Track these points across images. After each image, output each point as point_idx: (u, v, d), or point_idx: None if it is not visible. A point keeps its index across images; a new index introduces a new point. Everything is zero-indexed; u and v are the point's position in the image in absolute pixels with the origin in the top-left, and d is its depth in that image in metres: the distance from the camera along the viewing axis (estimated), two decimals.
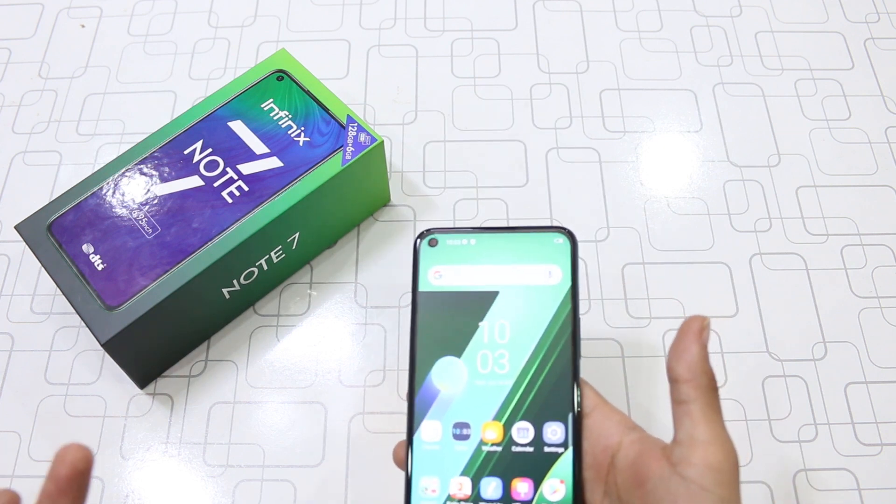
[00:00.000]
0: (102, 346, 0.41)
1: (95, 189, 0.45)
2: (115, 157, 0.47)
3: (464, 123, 0.56)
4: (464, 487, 0.34)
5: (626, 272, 0.50)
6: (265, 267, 0.47)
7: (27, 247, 0.46)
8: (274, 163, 0.46)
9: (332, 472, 0.44)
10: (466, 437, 0.34)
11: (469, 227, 0.37)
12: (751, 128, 0.56)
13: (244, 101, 0.48)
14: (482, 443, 0.34)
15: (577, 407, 0.34)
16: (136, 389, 0.47)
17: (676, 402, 0.32)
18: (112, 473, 0.44)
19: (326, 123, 0.47)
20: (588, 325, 0.48)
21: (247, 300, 0.49)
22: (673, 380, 0.33)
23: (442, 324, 0.36)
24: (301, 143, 0.47)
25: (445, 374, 0.35)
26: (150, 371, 0.47)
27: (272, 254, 0.47)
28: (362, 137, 0.47)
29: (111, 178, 0.46)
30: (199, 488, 0.44)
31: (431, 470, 0.34)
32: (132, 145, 0.47)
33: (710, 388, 0.32)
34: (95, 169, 0.53)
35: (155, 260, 0.43)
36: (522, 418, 0.34)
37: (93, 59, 0.60)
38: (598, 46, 0.60)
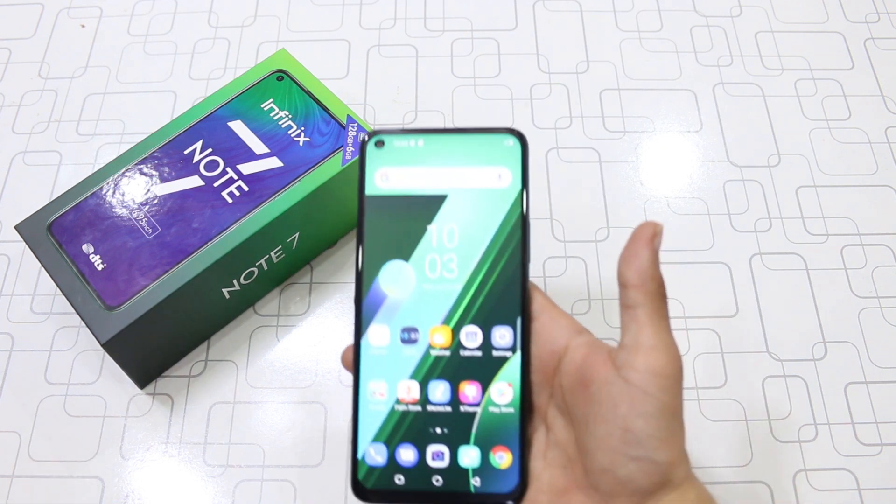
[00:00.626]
0: (102, 346, 0.41)
1: (95, 189, 0.45)
2: (115, 157, 0.47)
3: (464, 123, 0.56)
4: (412, 391, 0.34)
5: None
6: (265, 267, 0.47)
7: (27, 247, 0.46)
8: (274, 163, 0.46)
9: (332, 472, 0.44)
10: (414, 342, 0.34)
11: (417, 128, 0.36)
12: (751, 128, 0.56)
13: (244, 101, 0.48)
14: (430, 347, 0.34)
15: (526, 311, 0.34)
16: (136, 389, 0.47)
17: (624, 307, 0.32)
18: (112, 473, 0.44)
19: (326, 123, 0.47)
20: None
21: (247, 300, 0.49)
22: (622, 284, 0.32)
23: (389, 228, 0.35)
24: (301, 143, 0.47)
25: (393, 278, 0.35)
26: (150, 371, 0.47)
27: (272, 254, 0.47)
28: (362, 137, 0.47)
29: (111, 178, 0.46)
30: (199, 488, 0.44)
31: (379, 374, 0.34)
32: (132, 145, 0.47)
33: (659, 294, 0.32)
34: (95, 169, 0.53)
35: (155, 260, 0.43)
36: (471, 322, 0.34)
37: (93, 59, 0.60)
38: (598, 46, 0.60)
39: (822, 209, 0.53)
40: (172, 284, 0.42)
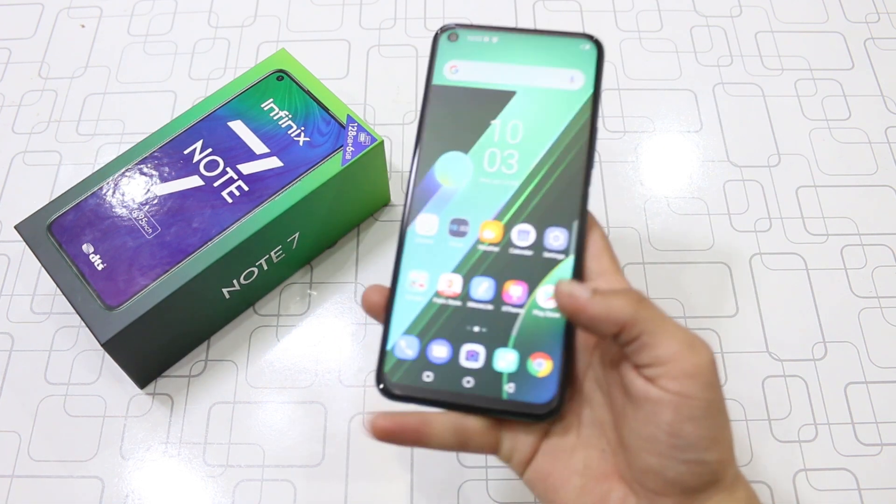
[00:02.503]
0: (102, 345, 0.41)
1: (95, 189, 0.45)
2: (115, 157, 0.47)
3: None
4: (454, 285, 0.32)
5: (626, 272, 0.50)
6: (265, 267, 0.47)
7: (27, 247, 0.46)
8: (274, 163, 0.46)
9: (332, 472, 0.44)
10: (463, 234, 0.33)
11: (492, 26, 0.35)
12: (751, 128, 0.56)
13: (244, 101, 0.48)
14: (479, 241, 0.33)
15: (584, 216, 0.32)
16: (136, 389, 0.47)
17: (630, 344, 0.29)
18: (112, 473, 0.44)
19: (326, 123, 0.47)
20: None
21: (247, 300, 0.49)
22: (615, 341, 0.30)
23: (452, 119, 0.34)
24: (301, 143, 0.47)
25: (449, 168, 0.33)
26: (150, 371, 0.47)
27: (272, 254, 0.47)
28: (362, 137, 0.47)
29: (111, 178, 0.46)
30: (199, 488, 0.44)
31: (422, 264, 0.32)
32: (132, 145, 0.47)
33: (637, 309, 0.29)
34: (95, 169, 0.53)
35: (155, 260, 0.43)
36: (525, 220, 0.33)
37: (93, 59, 0.60)
38: None
39: (822, 209, 0.53)
40: (172, 284, 0.42)
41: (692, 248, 0.51)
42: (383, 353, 0.32)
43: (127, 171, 0.46)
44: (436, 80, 0.34)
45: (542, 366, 0.31)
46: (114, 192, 0.45)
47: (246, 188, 0.45)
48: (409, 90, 0.58)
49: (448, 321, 0.32)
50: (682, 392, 0.28)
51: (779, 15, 0.61)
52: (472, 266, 0.32)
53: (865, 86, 0.58)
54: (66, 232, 0.44)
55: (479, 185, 0.33)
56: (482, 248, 0.32)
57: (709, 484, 0.29)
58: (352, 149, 0.46)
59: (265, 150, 0.46)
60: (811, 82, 0.58)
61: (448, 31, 0.35)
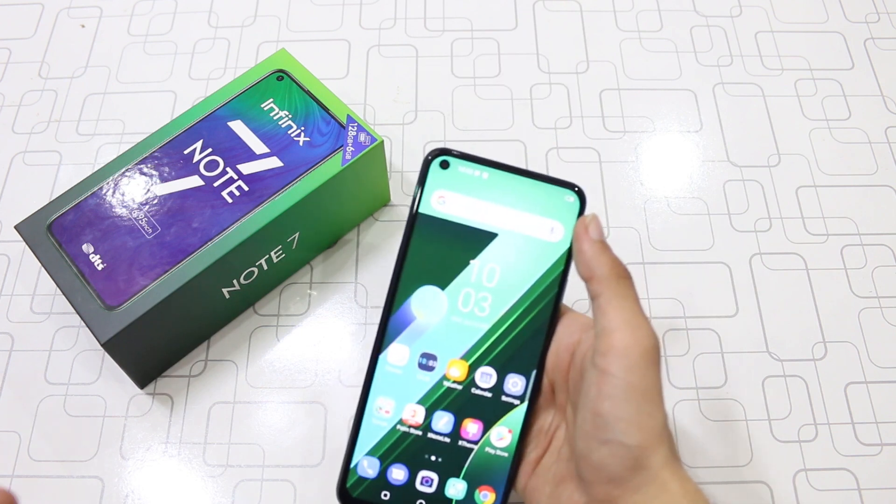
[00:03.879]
0: (102, 345, 0.41)
1: (95, 189, 0.45)
2: (115, 157, 0.47)
3: (464, 123, 0.56)
4: (417, 415, 0.35)
5: None
6: (265, 267, 0.47)
7: (27, 247, 0.46)
8: (274, 163, 0.46)
9: (332, 472, 0.44)
10: (431, 369, 0.35)
11: (484, 158, 0.36)
12: (751, 128, 0.56)
13: (244, 101, 0.48)
14: (445, 377, 0.35)
15: (542, 365, 0.35)
16: (136, 389, 0.47)
17: (591, 301, 0.33)
18: (112, 473, 0.44)
19: (326, 123, 0.47)
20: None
21: (247, 300, 0.49)
22: (584, 282, 0.33)
23: (433, 252, 0.35)
24: (301, 143, 0.47)
25: (425, 302, 0.35)
26: (150, 371, 0.47)
27: (272, 254, 0.47)
28: (362, 137, 0.47)
29: (111, 178, 0.46)
30: (199, 488, 0.44)
31: (389, 392, 0.35)
32: (132, 145, 0.47)
33: (614, 276, 0.32)
34: (95, 169, 0.53)
35: (155, 260, 0.43)
36: (489, 364, 0.35)
37: (93, 59, 0.60)
38: (598, 46, 0.60)
39: (822, 209, 0.53)
40: (172, 284, 0.42)
41: (692, 248, 0.51)
42: (346, 468, 0.34)
43: (127, 171, 0.46)
44: (422, 209, 0.35)
45: (487, 497, 0.34)
46: (114, 192, 0.45)
47: (246, 188, 0.45)
48: (409, 90, 0.58)
49: (408, 448, 0.34)
50: (606, 369, 0.30)
51: (779, 15, 0.61)
52: (435, 400, 0.35)
53: (865, 86, 0.58)
54: (66, 232, 0.44)
55: (450, 324, 0.35)
56: (447, 384, 0.35)
57: (632, 470, 0.30)
58: (352, 149, 0.46)
59: (265, 150, 0.46)
60: (811, 82, 0.58)
61: (440, 159, 0.36)
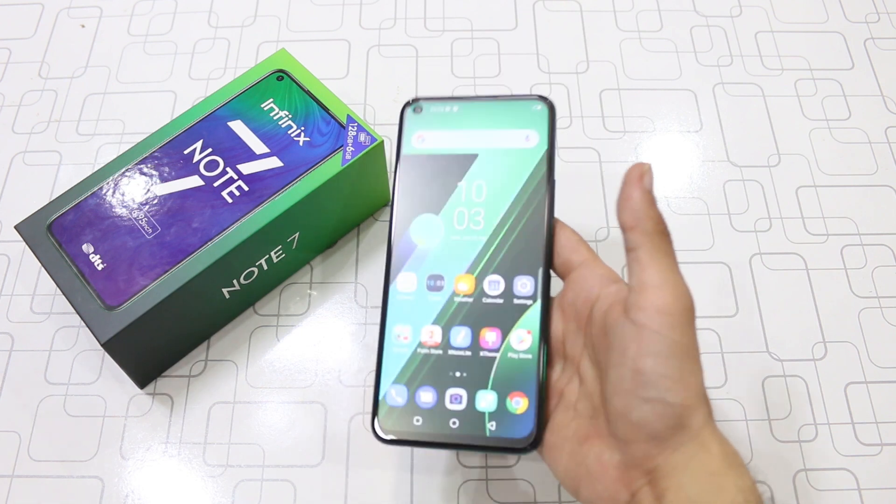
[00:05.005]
0: (102, 345, 0.41)
1: (95, 189, 0.45)
2: (115, 157, 0.47)
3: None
4: (434, 335, 0.35)
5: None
6: (265, 267, 0.47)
7: (27, 247, 0.46)
8: (274, 163, 0.46)
9: (332, 472, 0.44)
10: (440, 289, 0.36)
11: (452, 96, 0.39)
12: (751, 128, 0.56)
13: (244, 101, 0.48)
14: (454, 294, 0.36)
15: (548, 262, 0.35)
16: (136, 389, 0.47)
17: (627, 251, 0.32)
18: (112, 473, 0.44)
19: (326, 123, 0.47)
20: None
21: (247, 300, 0.49)
22: (622, 229, 0.33)
23: (422, 184, 0.37)
24: (301, 143, 0.47)
25: (423, 229, 0.37)
26: (150, 371, 0.47)
27: (272, 254, 0.47)
28: (362, 137, 0.47)
29: (111, 178, 0.46)
30: (199, 488, 0.44)
31: (405, 319, 0.36)
32: (132, 145, 0.47)
33: (657, 232, 0.32)
34: (95, 169, 0.53)
35: (155, 260, 0.43)
36: (494, 272, 0.36)
37: (93, 59, 0.60)
38: (598, 46, 0.60)
39: (822, 209, 0.53)
40: (172, 284, 0.42)
41: (692, 248, 0.51)
42: (376, 402, 0.35)
43: (127, 171, 0.46)
44: (405, 150, 0.38)
45: (520, 404, 0.34)
46: (114, 192, 0.45)
47: (246, 188, 0.45)
48: (409, 90, 0.58)
49: (432, 369, 0.35)
50: (648, 325, 0.29)
51: (779, 15, 0.61)
52: (449, 317, 0.36)
53: (865, 86, 0.58)
54: (66, 232, 0.44)
55: (450, 243, 0.36)
56: (458, 299, 0.36)
57: (674, 429, 0.29)
58: (352, 149, 0.46)
59: (265, 150, 0.46)
60: (811, 82, 0.58)
61: (413, 105, 0.39)
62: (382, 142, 0.47)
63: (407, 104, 0.39)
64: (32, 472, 0.45)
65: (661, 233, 0.32)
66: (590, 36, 0.60)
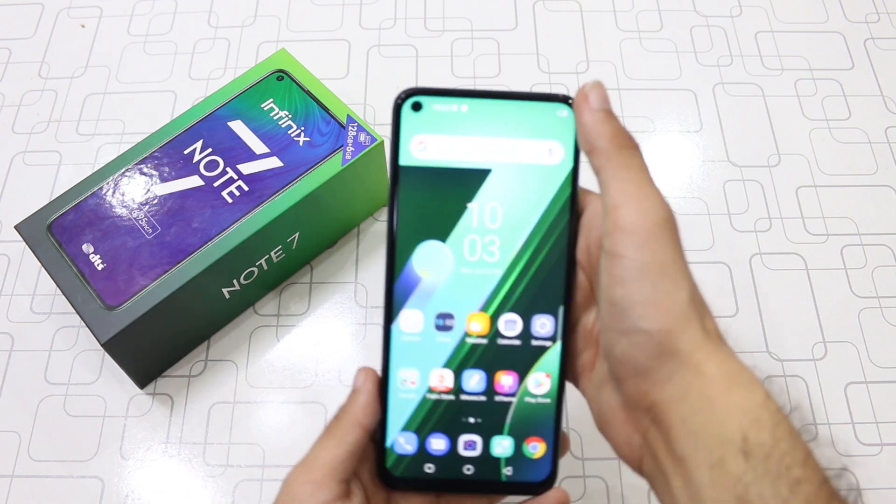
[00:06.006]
0: (102, 345, 0.41)
1: (95, 189, 0.45)
2: (115, 157, 0.47)
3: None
4: (445, 380, 0.32)
5: None
6: (265, 267, 0.47)
7: (27, 247, 0.46)
8: (274, 163, 0.46)
9: None
10: (450, 329, 0.32)
11: (459, 89, 0.32)
12: (751, 128, 0.56)
13: (244, 101, 0.48)
14: (467, 334, 0.32)
15: (569, 299, 0.32)
16: (136, 389, 0.47)
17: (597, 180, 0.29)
18: (112, 473, 0.44)
19: (326, 123, 0.47)
20: None
21: (247, 300, 0.49)
22: (588, 158, 0.29)
23: (425, 204, 0.31)
24: (301, 143, 0.47)
25: (428, 259, 0.32)
26: (150, 371, 0.47)
27: (272, 254, 0.47)
28: (362, 137, 0.47)
29: (111, 178, 0.46)
30: (199, 488, 0.44)
31: (411, 362, 0.32)
32: (132, 145, 0.47)
33: (615, 146, 0.28)
34: (95, 169, 0.53)
35: (155, 260, 0.43)
36: (511, 310, 0.32)
37: (93, 59, 0.60)
38: (598, 46, 0.60)
39: (822, 209, 0.53)
40: (172, 284, 0.42)
41: (692, 248, 0.51)
42: (383, 450, 0.32)
43: (127, 171, 0.46)
44: (402, 161, 0.31)
45: (537, 448, 0.32)
46: (114, 192, 0.45)
47: (246, 188, 0.45)
48: None
49: (443, 415, 0.32)
50: (613, 250, 0.27)
51: (779, 15, 0.61)
52: (461, 360, 0.32)
53: (865, 86, 0.58)
54: (66, 232, 0.44)
55: (461, 277, 0.32)
56: (470, 340, 0.32)
57: (659, 359, 0.26)
58: (352, 149, 0.46)
59: (265, 150, 0.46)
60: (811, 82, 0.58)
61: (411, 100, 0.31)
62: (382, 142, 0.47)
63: (401, 99, 0.31)
64: (32, 472, 0.45)
65: (620, 146, 0.28)
66: (590, 36, 0.60)
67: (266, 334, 0.49)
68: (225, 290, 0.46)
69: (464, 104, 0.31)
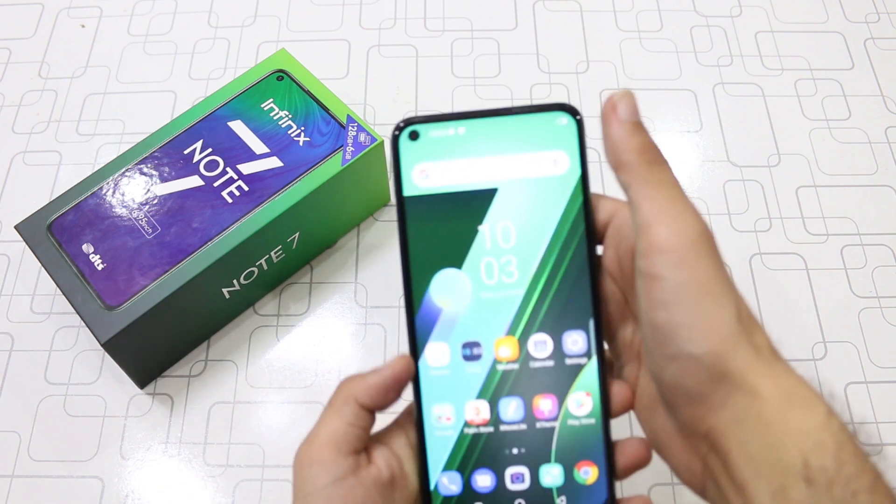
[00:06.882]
0: (102, 345, 0.41)
1: (95, 189, 0.45)
2: (115, 157, 0.47)
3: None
4: (481, 412, 0.31)
5: None
6: (265, 267, 0.47)
7: (27, 247, 0.46)
8: (274, 163, 0.46)
9: None
10: (478, 357, 0.31)
11: (454, 113, 0.31)
12: (751, 128, 0.56)
13: (244, 101, 0.48)
14: (496, 361, 0.31)
15: (598, 311, 0.31)
16: (136, 389, 0.47)
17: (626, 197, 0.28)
18: (112, 473, 0.44)
19: (326, 123, 0.47)
20: None
21: (247, 300, 0.49)
22: (614, 173, 0.28)
23: (435, 232, 0.31)
24: (301, 143, 0.47)
25: (446, 288, 0.31)
26: (150, 371, 0.47)
27: (272, 254, 0.47)
28: (362, 137, 0.47)
29: (111, 178, 0.46)
30: (199, 488, 0.44)
31: (443, 397, 0.31)
32: (132, 145, 0.47)
33: (643, 162, 0.27)
34: (95, 169, 0.53)
35: (155, 260, 0.43)
36: (539, 330, 0.31)
37: (93, 59, 0.60)
38: (598, 46, 0.60)
39: (822, 209, 0.53)
40: (172, 284, 0.42)
41: None
42: (427, 494, 0.31)
43: (127, 171, 0.46)
44: (406, 191, 0.31)
45: (589, 473, 0.30)
46: (114, 192, 0.45)
47: (246, 188, 0.45)
48: (409, 90, 0.58)
49: (485, 449, 0.31)
50: (650, 271, 0.25)
51: (779, 15, 0.61)
52: (495, 389, 0.31)
53: (865, 86, 0.58)
54: (66, 232, 0.44)
55: (482, 302, 0.31)
56: (501, 367, 0.31)
57: (711, 384, 0.25)
58: (352, 149, 0.46)
59: (265, 150, 0.46)
60: (811, 82, 0.58)
61: (407, 130, 0.31)
62: (382, 142, 0.47)
63: (398, 129, 0.31)
64: (32, 472, 0.45)
65: (649, 162, 0.27)
66: (590, 36, 0.60)
67: (266, 334, 0.49)
68: (225, 290, 0.46)
69: (461, 127, 0.31)
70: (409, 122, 0.31)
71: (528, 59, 0.59)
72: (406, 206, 0.31)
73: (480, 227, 0.31)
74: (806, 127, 0.56)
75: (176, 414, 0.46)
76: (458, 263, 0.31)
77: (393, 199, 0.53)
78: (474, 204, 0.31)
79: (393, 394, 0.30)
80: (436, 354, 0.31)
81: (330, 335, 0.49)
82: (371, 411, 0.30)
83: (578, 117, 0.31)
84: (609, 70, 0.59)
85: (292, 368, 0.48)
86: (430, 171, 0.31)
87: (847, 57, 0.59)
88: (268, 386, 0.47)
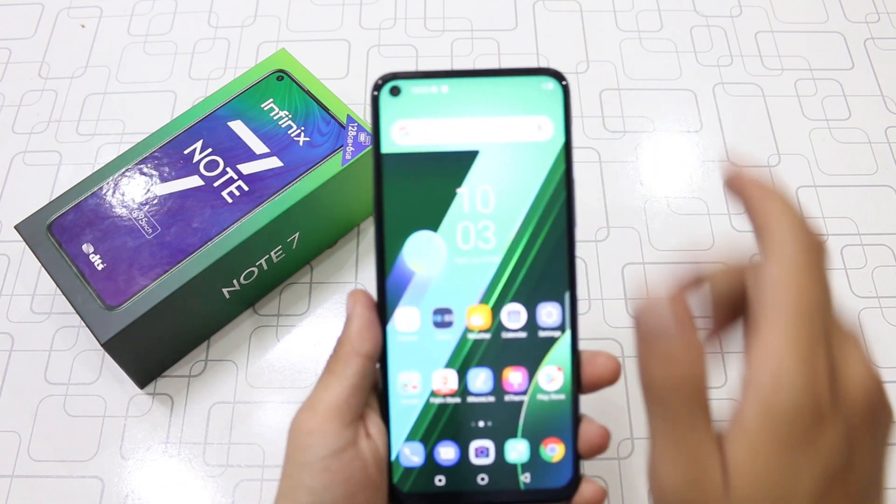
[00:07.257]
0: (102, 345, 0.41)
1: (95, 189, 0.45)
2: (115, 157, 0.47)
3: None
4: (449, 381, 0.30)
5: (626, 272, 0.50)
6: (265, 267, 0.47)
7: (27, 247, 0.46)
8: (274, 163, 0.46)
9: None
10: (449, 325, 0.30)
11: (438, 71, 0.30)
12: (751, 128, 0.56)
13: (244, 101, 0.48)
14: (468, 330, 0.30)
15: (574, 283, 0.30)
16: (136, 389, 0.47)
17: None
18: (112, 473, 0.44)
19: (326, 123, 0.47)
20: (589, 326, 0.48)
21: (247, 300, 0.49)
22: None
23: (412, 193, 0.30)
24: (301, 143, 0.47)
25: (420, 251, 0.30)
26: (150, 371, 0.47)
27: (272, 254, 0.47)
28: (362, 137, 0.47)
29: (111, 177, 0.46)
30: (199, 488, 0.44)
31: (410, 364, 0.30)
32: (132, 145, 0.47)
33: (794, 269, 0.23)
34: (95, 169, 0.53)
35: (155, 260, 0.43)
36: (513, 300, 0.30)
37: (93, 59, 0.60)
38: (598, 46, 0.60)
39: (822, 209, 0.53)
40: (172, 284, 0.42)
41: (692, 248, 0.51)
42: (389, 464, 0.30)
43: (127, 171, 0.46)
44: (384, 148, 0.30)
45: (555, 451, 0.30)
46: (114, 192, 0.45)
47: (246, 188, 0.45)
48: None
49: (450, 421, 0.30)
50: (749, 429, 0.22)
51: (779, 15, 0.61)
52: (464, 358, 0.30)
53: (865, 86, 0.58)
54: (66, 232, 0.44)
55: (456, 268, 0.30)
56: (472, 336, 0.30)
57: None
58: (352, 149, 0.46)
59: (265, 150, 0.46)
60: (811, 82, 0.58)
61: (389, 85, 0.30)
62: None
63: (378, 85, 0.29)
64: (32, 472, 0.45)
65: (806, 244, 0.25)
66: (590, 36, 0.60)
67: (266, 334, 0.49)
68: (225, 290, 0.46)
69: (444, 85, 0.30)
70: (390, 76, 0.30)
71: (528, 59, 0.59)
72: (383, 164, 0.30)
73: (459, 190, 0.30)
74: (806, 127, 0.56)
75: (176, 414, 0.46)
76: (433, 226, 0.30)
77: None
78: (454, 165, 0.30)
79: (378, 327, 0.30)
80: (405, 319, 0.30)
81: (330, 335, 0.49)
82: (373, 361, 0.29)
83: (565, 83, 0.30)
84: (609, 70, 0.59)
85: (292, 368, 0.48)
86: (410, 129, 0.30)
87: (847, 57, 0.59)
88: (268, 386, 0.47)
